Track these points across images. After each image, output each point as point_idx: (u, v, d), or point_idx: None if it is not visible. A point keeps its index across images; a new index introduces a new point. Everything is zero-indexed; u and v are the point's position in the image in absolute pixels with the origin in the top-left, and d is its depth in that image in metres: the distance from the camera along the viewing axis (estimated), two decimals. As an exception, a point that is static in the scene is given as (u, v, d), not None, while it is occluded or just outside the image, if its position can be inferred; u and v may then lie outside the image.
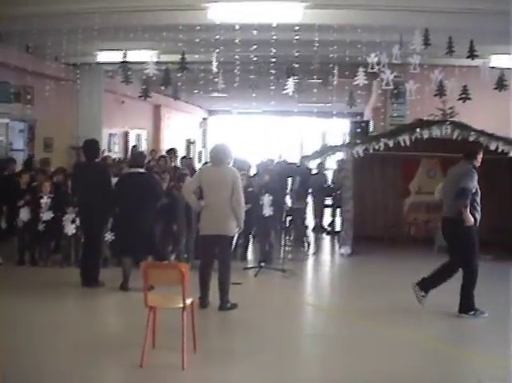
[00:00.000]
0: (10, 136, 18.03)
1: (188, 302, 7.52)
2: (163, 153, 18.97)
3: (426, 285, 10.13)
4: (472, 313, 9.75)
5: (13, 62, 15.06)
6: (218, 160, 9.94)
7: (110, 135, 23.33)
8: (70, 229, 12.54)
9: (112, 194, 11.14)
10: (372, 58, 13.10)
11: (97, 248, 11.40)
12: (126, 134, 25.42)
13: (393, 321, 9.62)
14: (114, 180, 11.66)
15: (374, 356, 8.04)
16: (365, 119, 26.79)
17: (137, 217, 10.80)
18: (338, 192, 17.77)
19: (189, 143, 34.55)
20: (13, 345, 8.00)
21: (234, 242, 11.01)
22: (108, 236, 12.04)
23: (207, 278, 9.95)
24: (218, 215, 9.76)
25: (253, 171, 16.82)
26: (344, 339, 8.89)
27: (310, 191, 18.39)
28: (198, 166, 20.13)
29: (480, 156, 10.19)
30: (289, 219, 15.41)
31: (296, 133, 37.80)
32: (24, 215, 12.69)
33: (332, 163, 19.34)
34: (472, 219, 9.69)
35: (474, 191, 9.76)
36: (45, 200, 12.61)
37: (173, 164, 16.59)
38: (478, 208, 9.88)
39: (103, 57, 17.53)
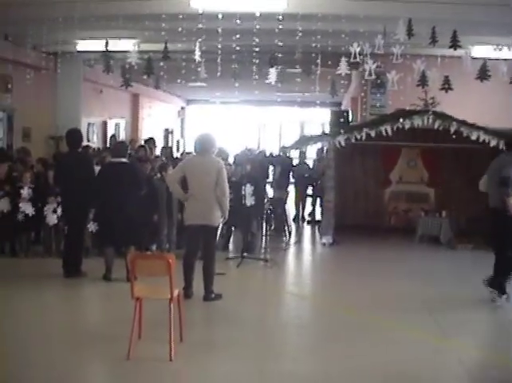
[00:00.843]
0: (-12, 125, 17.86)
1: (175, 293, 7.48)
2: (142, 143, 18.87)
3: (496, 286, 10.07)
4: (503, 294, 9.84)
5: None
6: (203, 150, 9.87)
7: (89, 124, 23.14)
8: (52, 219, 12.43)
9: (94, 183, 11.06)
10: (355, 48, 13.08)
11: (80, 238, 11.34)
12: (105, 123, 25.22)
13: (377, 310, 9.62)
14: (96, 170, 11.58)
15: (358, 346, 8.04)
16: (344, 108, 26.80)
17: (120, 207, 10.71)
18: (318, 182, 17.81)
19: (167, 132, 34.41)
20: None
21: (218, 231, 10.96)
22: (92, 226, 11.94)
23: (191, 268, 9.89)
24: (203, 204, 9.70)
25: (231, 161, 16.75)
26: (328, 329, 8.90)
27: (293, 180, 18.36)
28: (176, 155, 19.99)
29: None
30: (270, 208, 15.38)
31: (275, 123, 37.75)
32: (3, 205, 12.53)
33: (311, 152, 19.32)
34: None
35: None
36: (25, 191, 12.48)
37: (153, 154, 16.50)
38: None
39: (83, 46, 17.37)
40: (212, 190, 9.70)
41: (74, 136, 11.44)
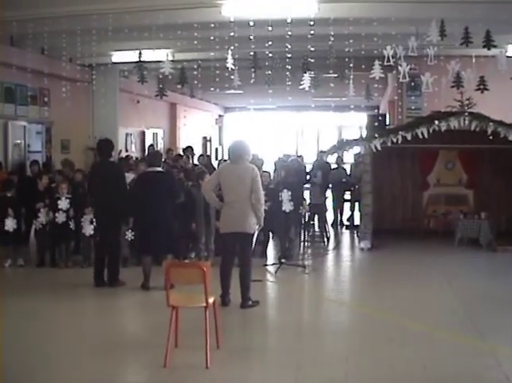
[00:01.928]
0: (28, 138, 18.06)
1: (210, 300, 7.50)
2: (180, 151, 18.97)
3: None
4: None
5: (29, 65, 15.05)
6: (237, 157, 9.88)
7: (127, 134, 23.36)
8: (88, 229, 12.53)
9: (126, 192, 11.15)
10: (388, 51, 13.00)
11: (114, 248, 11.36)
12: (142, 133, 25.46)
13: (416, 316, 9.52)
14: (128, 177, 11.69)
15: (396, 351, 7.96)
16: (381, 112, 26.69)
17: (156, 216, 10.78)
18: (356, 187, 17.71)
19: (205, 140, 34.56)
20: (36, 345, 8.02)
21: (254, 239, 10.95)
22: (129, 235, 12.01)
23: (228, 275, 9.89)
24: (238, 212, 9.69)
25: (268, 168, 16.69)
26: (366, 335, 8.80)
27: (330, 185, 18.28)
28: (214, 163, 20.09)
29: None
30: (308, 214, 15.33)
31: (312, 128, 37.73)
32: (43, 216, 12.68)
33: (349, 157, 19.23)
34: None
35: None
36: (62, 201, 12.58)
37: (191, 162, 16.57)
38: None
39: (118, 57, 17.56)
40: (247, 197, 9.70)
41: (104, 146, 11.55)
